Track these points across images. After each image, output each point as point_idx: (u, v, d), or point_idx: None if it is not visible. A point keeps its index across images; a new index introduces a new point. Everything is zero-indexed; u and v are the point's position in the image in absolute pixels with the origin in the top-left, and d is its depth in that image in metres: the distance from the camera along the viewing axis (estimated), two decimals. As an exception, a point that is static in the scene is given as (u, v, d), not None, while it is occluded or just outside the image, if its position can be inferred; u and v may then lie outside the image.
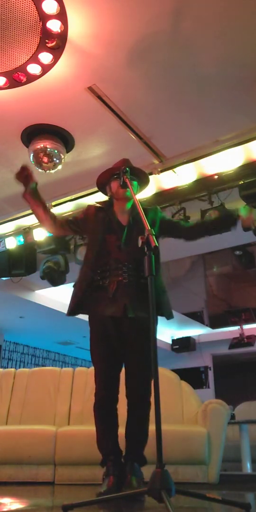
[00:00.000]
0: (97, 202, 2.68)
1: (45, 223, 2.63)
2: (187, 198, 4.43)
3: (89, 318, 2.47)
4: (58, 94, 3.29)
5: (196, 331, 10.42)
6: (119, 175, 2.34)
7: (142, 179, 2.58)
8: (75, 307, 2.44)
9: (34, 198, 2.53)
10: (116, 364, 2.42)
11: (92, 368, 2.46)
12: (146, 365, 2.20)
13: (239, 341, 9.61)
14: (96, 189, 3.66)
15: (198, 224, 2.78)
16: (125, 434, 2.38)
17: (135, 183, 2.50)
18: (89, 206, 2.62)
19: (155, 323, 2.19)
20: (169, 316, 2.45)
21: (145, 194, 4.14)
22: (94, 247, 2.47)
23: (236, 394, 9.25)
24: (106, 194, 2.64)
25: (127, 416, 2.39)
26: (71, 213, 4.73)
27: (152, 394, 2.31)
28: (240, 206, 2.45)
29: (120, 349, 2.40)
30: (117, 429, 2.38)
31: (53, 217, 2.61)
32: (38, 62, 2.94)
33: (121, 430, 2.40)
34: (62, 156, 3.79)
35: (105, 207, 2.58)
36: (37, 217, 2.61)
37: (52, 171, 3.86)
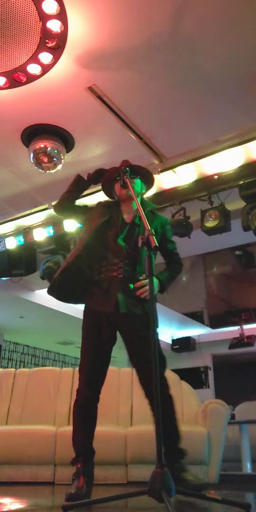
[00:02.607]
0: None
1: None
2: (187, 198, 4.43)
3: (84, 311, 2.48)
4: (58, 94, 3.30)
5: (196, 331, 10.40)
6: (120, 176, 2.35)
7: (145, 176, 2.58)
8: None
9: (83, 187, 2.70)
10: (103, 360, 2.40)
11: None
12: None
13: (239, 341, 9.58)
14: (95, 189, 3.68)
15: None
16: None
17: (137, 181, 2.51)
18: (99, 202, 2.70)
19: (155, 322, 2.19)
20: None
21: (145, 194, 4.17)
22: (89, 233, 2.48)
23: (236, 394, 9.23)
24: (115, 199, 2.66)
25: (153, 416, 2.35)
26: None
27: (170, 388, 2.35)
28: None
29: (111, 346, 2.42)
30: (94, 429, 2.36)
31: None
32: (38, 62, 2.94)
33: (149, 428, 2.32)
34: (62, 156, 3.79)
35: (112, 205, 2.61)
36: (67, 196, 2.75)
37: (52, 171, 3.86)
